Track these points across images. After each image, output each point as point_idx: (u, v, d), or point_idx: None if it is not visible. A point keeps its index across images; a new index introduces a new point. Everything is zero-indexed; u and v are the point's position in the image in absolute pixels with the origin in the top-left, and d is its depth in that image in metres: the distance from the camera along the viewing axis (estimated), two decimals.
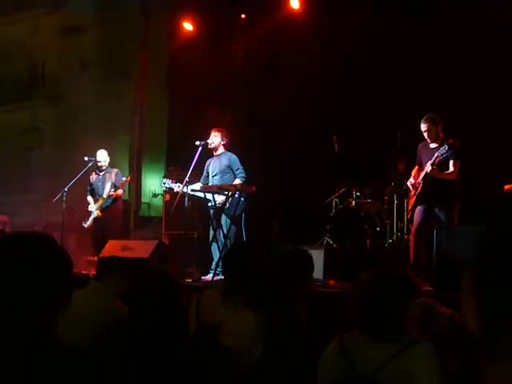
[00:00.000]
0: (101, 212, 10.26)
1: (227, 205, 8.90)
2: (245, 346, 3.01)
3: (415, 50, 10.37)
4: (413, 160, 8.51)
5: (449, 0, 10.23)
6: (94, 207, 10.32)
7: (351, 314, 3.56)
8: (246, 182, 9.07)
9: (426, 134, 7.99)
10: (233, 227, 8.96)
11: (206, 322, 4.08)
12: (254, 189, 8.92)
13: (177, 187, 9.19)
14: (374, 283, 3.28)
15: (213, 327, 3.12)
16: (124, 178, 10.56)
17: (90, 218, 10.33)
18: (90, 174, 10.64)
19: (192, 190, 9.12)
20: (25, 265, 2.02)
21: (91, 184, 10.56)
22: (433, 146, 7.95)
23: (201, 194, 9.16)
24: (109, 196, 10.26)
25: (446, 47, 10.11)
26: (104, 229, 10.30)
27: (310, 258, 4.91)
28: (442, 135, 7.94)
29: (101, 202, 10.26)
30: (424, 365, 3.04)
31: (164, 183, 9.44)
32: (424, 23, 10.43)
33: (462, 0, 10.13)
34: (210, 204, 9.11)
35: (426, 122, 7.96)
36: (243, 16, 12.78)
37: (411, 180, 8.25)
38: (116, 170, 10.60)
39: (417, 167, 8.29)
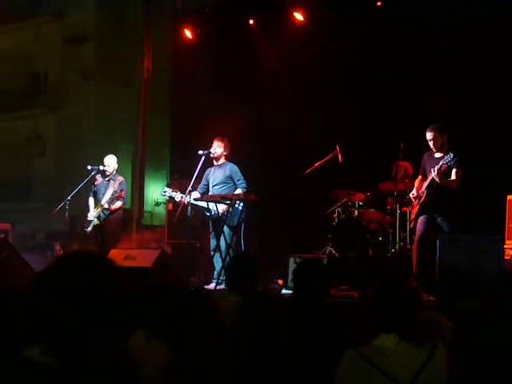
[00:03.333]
0: (99, 220, 10.18)
1: (228, 214, 8.91)
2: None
3: (419, 59, 10.39)
4: (415, 170, 8.54)
5: (450, 7, 10.25)
6: (92, 215, 10.23)
7: (360, 323, 3.57)
8: (247, 192, 9.10)
9: (431, 143, 8.02)
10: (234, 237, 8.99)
11: None
12: (255, 198, 8.95)
13: (178, 196, 9.20)
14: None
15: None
16: (125, 188, 10.49)
17: (91, 225, 10.25)
18: (96, 177, 10.53)
19: (194, 200, 9.15)
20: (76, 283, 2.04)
21: (95, 186, 10.47)
22: (438, 155, 7.98)
23: (203, 204, 9.17)
24: (105, 208, 10.15)
25: (450, 56, 10.13)
26: (103, 238, 10.24)
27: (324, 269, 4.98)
28: (447, 145, 7.96)
29: (99, 209, 10.16)
30: (446, 367, 3.09)
31: (165, 192, 9.44)
32: (426, 32, 10.46)
33: (463, 8, 10.16)
34: (211, 213, 9.12)
35: (432, 131, 8.00)
36: (251, 22, 12.78)
37: (413, 192, 8.29)
38: (121, 178, 10.41)
39: (420, 177, 8.32)
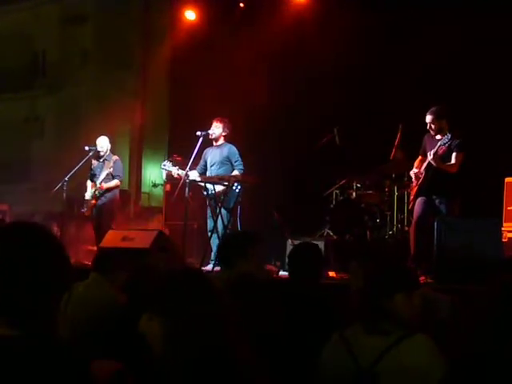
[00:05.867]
0: (95, 200, 10.24)
1: (225, 196, 8.88)
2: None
3: (419, 40, 10.33)
4: (414, 152, 8.52)
5: None
6: (88, 194, 10.31)
7: (352, 305, 3.55)
8: (244, 174, 9.08)
9: (428, 126, 8.00)
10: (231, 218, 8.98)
11: None
12: (254, 179, 8.94)
13: (175, 170, 9.14)
14: (371, 274, 3.31)
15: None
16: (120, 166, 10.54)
17: (86, 205, 10.32)
18: (93, 161, 10.61)
19: (192, 181, 9.10)
20: (17, 253, 2.01)
21: (91, 169, 10.55)
22: (438, 137, 7.95)
23: (201, 183, 9.15)
24: (99, 188, 10.23)
25: (449, 37, 10.07)
26: (99, 218, 10.30)
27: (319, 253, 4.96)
28: (446, 128, 7.93)
29: (94, 188, 10.25)
30: (421, 358, 3.06)
31: (164, 165, 9.37)
32: (428, 12, 10.41)
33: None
34: (208, 193, 9.09)
35: (430, 115, 7.98)
36: (241, 5, 12.73)
37: (414, 170, 8.25)
38: (116, 157, 10.52)
39: (420, 158, 8.29)
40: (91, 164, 10.59)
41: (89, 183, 10.50)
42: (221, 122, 9.34)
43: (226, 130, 9.34)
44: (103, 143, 10.52)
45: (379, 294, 3.20)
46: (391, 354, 3.04)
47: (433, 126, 7.98)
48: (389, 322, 3.15)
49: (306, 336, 4.01)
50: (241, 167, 9.18)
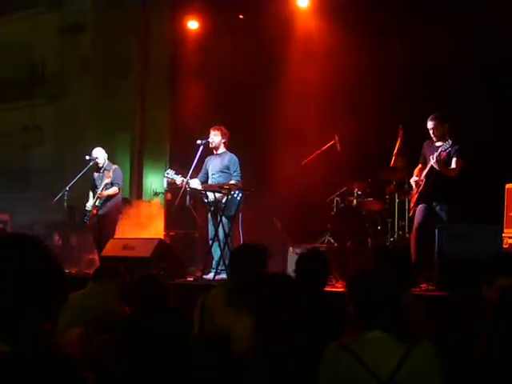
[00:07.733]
0: (95, 210, 10.23)
1: (226, 204, 8.87)
2: (245, 349, 3.01)
3: (419, 47, 10.33)
4: (414, 159, 8.52)
5: None
6: (89, 205, 10.32)
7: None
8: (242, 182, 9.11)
9: (431, 132, 7.97)
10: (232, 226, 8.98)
11: (208, 324, 4.08)
12: (252, 189, 8.95)
13: (179, 178, 9.14)
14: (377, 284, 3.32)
15: (223, 335, 3.15)
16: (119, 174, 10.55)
17: (87, 215, 10.32)
18: (94, 173, 10.63)
19: (192, 189, 9.10)
20: (9, 266, 1.99)
21: (94, 180, 10.56)
22: (438, 143, 7.92)
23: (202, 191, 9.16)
24: (99, 197, 10.23)
25: (450, 44, 10.08)
26: (101, 227, 10.28)
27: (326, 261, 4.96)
28: (448, 134, 7.90)
29: (96, 199, 10.26)
30: (431, 363, 3.11)
31: (168, 173, 9.37)
32: (428, 19, 10.42)
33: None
34: (209, 201, 9.08)
35: (432, 120, 7.95)
36: (241, 16, 12.75)
37: (414, 178, 8.23)
38: (115, 166, 10.51)
39: (420, 165, 8.27)
40: (93, 176, 10.60)
41: (91, 194, 10.50)
42: (218, 130, 9.35)
43: (224, 137, 9.34)
44: (99, 154, 10.52)
45: (381, 298, 3.23)
46: (407, 362, 3.06)
47: (435, 132, 7.95)
48: (394, 327, 3.15)
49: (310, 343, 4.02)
50: (238, 178, 9.16)
